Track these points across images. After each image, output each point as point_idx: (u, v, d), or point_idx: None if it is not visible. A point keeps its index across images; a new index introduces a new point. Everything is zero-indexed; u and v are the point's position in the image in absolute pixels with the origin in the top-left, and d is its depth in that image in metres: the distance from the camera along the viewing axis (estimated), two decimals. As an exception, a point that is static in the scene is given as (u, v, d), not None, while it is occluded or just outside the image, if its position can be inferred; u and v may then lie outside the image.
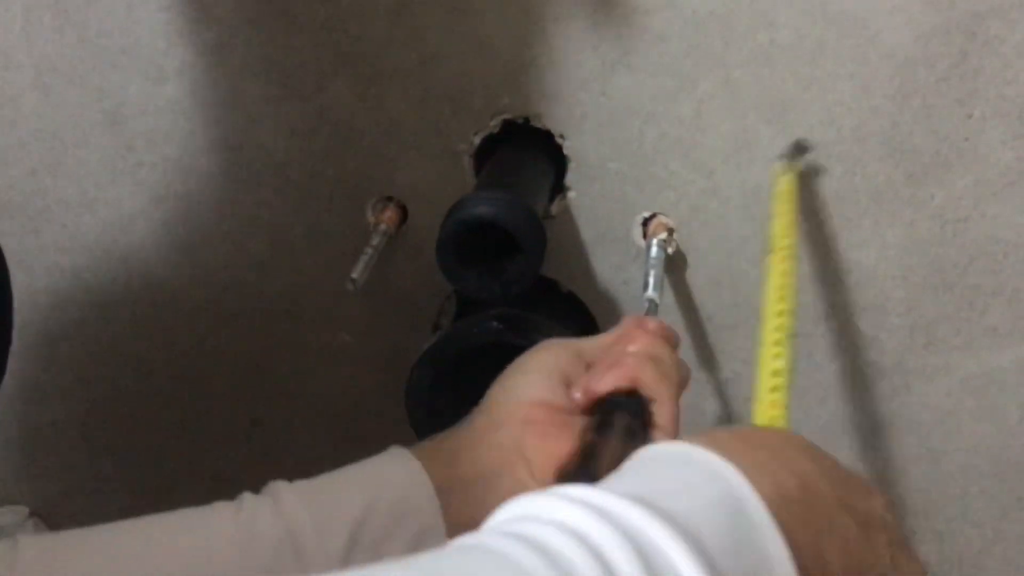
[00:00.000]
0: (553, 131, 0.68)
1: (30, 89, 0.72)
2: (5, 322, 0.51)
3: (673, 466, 0.32)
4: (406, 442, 0.67)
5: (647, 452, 0.34)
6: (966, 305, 0.69)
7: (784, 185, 0.54)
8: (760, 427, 0.39)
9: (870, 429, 0.75)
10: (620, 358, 0.49)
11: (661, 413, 0.48)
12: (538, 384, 0.51)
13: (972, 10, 0.59)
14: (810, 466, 0.33)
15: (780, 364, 0.41)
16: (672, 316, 0.72)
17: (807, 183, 0.57)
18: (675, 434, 0.47)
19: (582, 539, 0.26)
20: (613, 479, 0.32)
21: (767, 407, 0.43)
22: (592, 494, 0.28)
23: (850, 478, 0.35)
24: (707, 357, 0.74)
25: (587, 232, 0.71)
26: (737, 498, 0.30)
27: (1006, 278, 0.68)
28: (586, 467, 0.44)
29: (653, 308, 0.65)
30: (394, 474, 0.50)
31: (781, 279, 0.45)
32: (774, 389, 0.42)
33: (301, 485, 0.49)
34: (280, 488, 0.48)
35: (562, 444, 0.48)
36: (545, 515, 0.28)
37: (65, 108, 0.72)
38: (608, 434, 0.46)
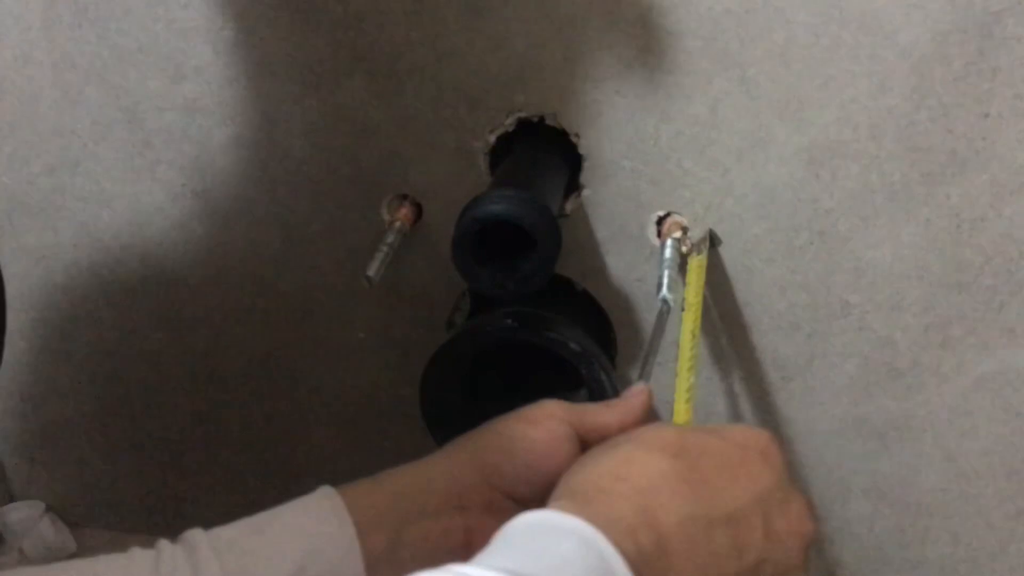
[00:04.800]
0: (568, 129, 0.68)
1: (49, 86, 0.72)
2: None
3: (547, 538, 0.35)
4: (417, 440, 0.67)
5: (519, 523, 0.36)
6: (982, 304, 0.69)
7: (697, 264, 0.67)
8: (632, 452, 0.40)
9: (885, 428, 0.75)
10: None
11: None
12: (521, 472, 0.47)
13: (989, 9, 0.59)
14: (671, 505, 0.37)
15: (692, 381, 0.60)
16: (686, 314, 0.73)
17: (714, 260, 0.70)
18: None
19: None
20: (494, 553, 0.34)
21: (683, 413, 0.60)
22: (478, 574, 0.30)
23: (716, 486, 0.39)
24: (719, 356, 0.74)
25: (601, 230, 0.71)
26: (609, 569, 0.33)
27: (1022, 277, 0.67)
28: None
29: (667, 308, 0.65)
30: (323, 543, 0.44)
31: (692, 326, 0.64)
32: (687, 400, 0.60)
33: (221, 546, 0.43)
34: (199, 546, 0.43)
35: None
36: None
37: (84, 105, 0.73)
38: None
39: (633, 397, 0.50)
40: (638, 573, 0.34)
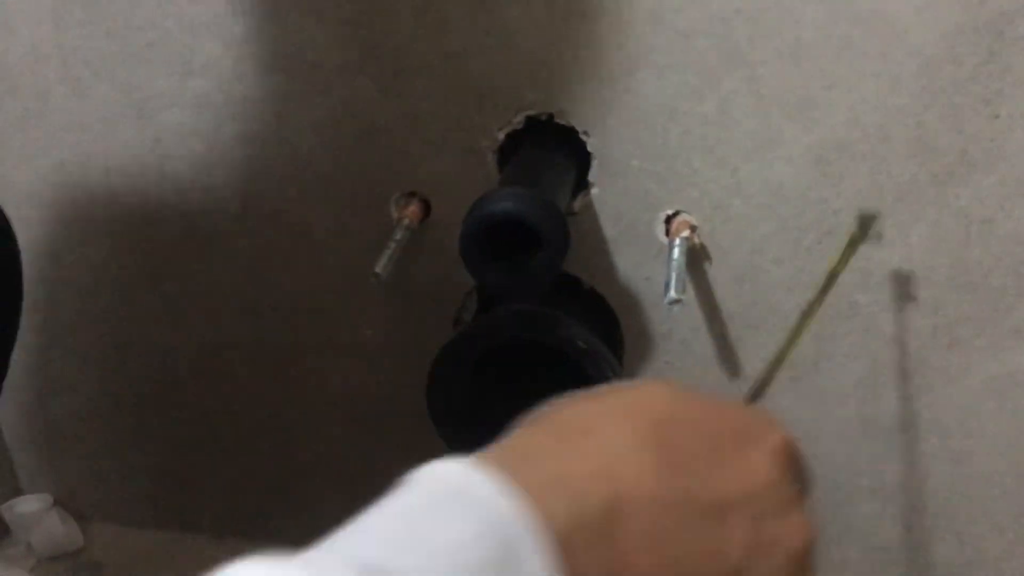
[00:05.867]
0: (577, 128, 0.68)
1: (59, 83, 0.72)
2: (14, 291, 0.50)
3: (440, 511, 0.28)
4: (424, 437, 0.67)
5: (416, 480, 0.29)
6: (990, 306, 0.68)
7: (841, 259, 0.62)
8: (604, 399, 0.34)
9: (892, 430, 0.75)
10: None
11: None
12: None
13: (1000, 9, 0.59)
14: (640, 478, 0.31)
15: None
16: (694, 314, 0.72)
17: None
18: None
19: None
20: (361, 529, 0.28)
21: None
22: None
23: (696, 469, 0.33)
24: (728, 355, 0.74)
25: (610, 229, 0.71)
26: (510, 549, 0.27)
27: (1031, 279, 0.67)
28: None
29: (677, 308, 0.65)
30: None
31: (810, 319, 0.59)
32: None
33: None
34: None
35: None
36: None
37: (93, 101, 0.73)
38: None
39: None
40: (569, 547, 0.28)
